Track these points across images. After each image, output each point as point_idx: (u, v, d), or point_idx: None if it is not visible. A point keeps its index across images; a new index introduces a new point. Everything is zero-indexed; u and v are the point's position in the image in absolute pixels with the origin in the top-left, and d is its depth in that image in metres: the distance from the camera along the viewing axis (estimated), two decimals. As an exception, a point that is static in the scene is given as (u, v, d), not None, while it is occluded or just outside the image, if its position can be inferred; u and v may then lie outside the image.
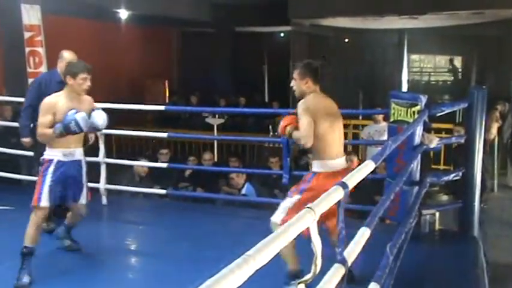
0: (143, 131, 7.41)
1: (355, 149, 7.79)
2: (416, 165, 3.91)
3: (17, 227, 4.45)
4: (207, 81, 13.20)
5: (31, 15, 6.70)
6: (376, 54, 14.07)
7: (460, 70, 15.08)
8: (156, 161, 6.32)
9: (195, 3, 11.59)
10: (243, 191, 5.63)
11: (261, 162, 6.90)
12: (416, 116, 3.91)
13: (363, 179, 2.10)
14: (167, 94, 13.31)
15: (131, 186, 5.57)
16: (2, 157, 5.81)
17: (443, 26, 11.52)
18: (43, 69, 6.69)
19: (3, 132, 6.57)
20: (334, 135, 3.05)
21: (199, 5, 11.82)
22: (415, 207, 3.76)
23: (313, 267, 1.62)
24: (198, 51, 14.01)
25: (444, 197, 5.57)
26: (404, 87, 13.11)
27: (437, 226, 4.32)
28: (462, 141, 4.46)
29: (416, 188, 3.94)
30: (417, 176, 4.00)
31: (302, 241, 1.79)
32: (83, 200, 3.59)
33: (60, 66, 4.30)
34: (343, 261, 1.82)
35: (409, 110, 4.01)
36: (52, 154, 3.43)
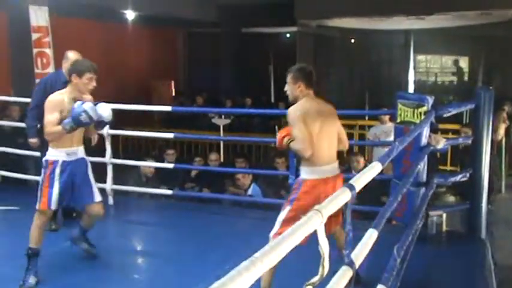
0: (150, 131, 7.43)
1: (361, 149, 7.77)
2: (423, 166, 3.89)
3: (22, 227, 4.48)
4: (213, 81, 13.23)
5: (39, 17, 6.73)
6: (383, 54, 14.05)
7: (466, 71, 15.02)
8: (163, 162, 6.33)
9: (201, 4, 11.60)
10: (249, 192, 5.63)
11: (267, 162, 6.90)
12: (423, 116, 3.89)
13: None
14: (173, 95, 13.33)
15: (137, 186, 5.59)
16: (8, 157, 5.84)
17: (449, 26, 11.48)
18: (50, 70, 6.72)
19: (11, 132, 6.61)
20: (324, 140, 2.94)
21: (206, 5, 11.84)
22: (422, 208, 3.75)
23: (320, 269, 1.61)
24: (205, 52, 14.04)
25: (451, 198, 5.53)
26: (411, 88, 13.08)
27: (444, 227, 4.31)
28: (469, 142, 4.44)
29: (423, 189, 3.93)
30: (424, 177, 3.98)
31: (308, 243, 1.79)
32: (98, 197, 3.51)
33: (65, 67, 4.32)
34: (351, 264, 1.82)
35: (415, 110, 4.00)
36: (56, 155, 3.37)
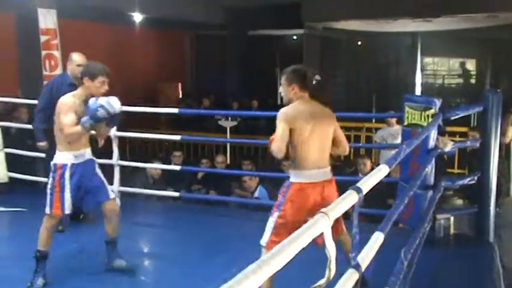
0: (157, 133, 7.45)
1: (368, 152, 7.75)
2: (430, 169, 3.88)
3: (30, 229, 4.50)
4: (220, 83, 13.25)
5: (47, 19, 6.77)
6: (389, 57, 14.03)
7: (474, 73, 14.95)
8: (169, 164, 6.35)
9: (208, 7, 11.63)
10: (256, 194, 5.63)
11: (274, 165, 6.89)
12: (430, 119, 3.88)
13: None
14: (180, 97, 13.37)
15: (144, 188, 5.60)
16: (17, 159, 5.88)
17: (457, 28, 11.44)
18: (58, 72, 6.76)
19: (19, 134, 6.64)
20: (314, 144, 2.85)
21: (213, 8, 11.87)
22: (430, 211, 3.73)
23: (327, 271, 1.61)
24: (211, 54, 14.07)
25: (459, 201, 5.51)
26: (418, 90, 13.04)
27: (452, 231, 4.28)
28: (477, 145, 4.42)
29: (430, 192, 3.91)
30: (431, 180, 3.96)
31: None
32: (111, 194, 3.47)
33: (70, 69, 4.34)
34: (357, 267, 1.81)
35: (423, 113, 3.98)
36: (64, 158, 3.32)
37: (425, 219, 3.55)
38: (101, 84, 3.31)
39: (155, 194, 5.63)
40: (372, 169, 5.35)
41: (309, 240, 1.36)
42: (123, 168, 5.29)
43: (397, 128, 6.27)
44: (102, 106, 3.16)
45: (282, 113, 2.85)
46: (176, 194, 5.53)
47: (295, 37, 14.05)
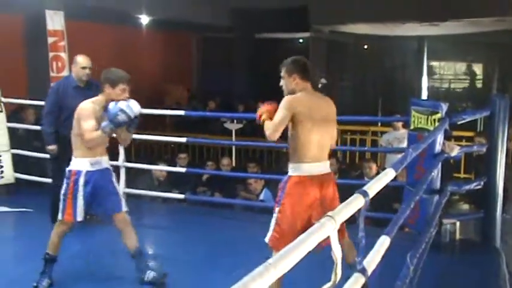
0: (162, 135, 7.45)
1: (373, 156, 7.73)
2: (436, 173, 3.86)
3: (35, 230, 4.53)
4: (227, 86, 13.25)
5: (55, 21, 6.82)
6: (396, 60, 14.01)
7: (480, 77, 14.90)
8: (175, 166, 6.35)
9: (215, 9, 11.66)
10: (261, 197, 5.63)
11: (279, 167, 6.88)
12: (436, 123, 3.87)
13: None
14: (187, 99, 13.38)
15: (150, 190, 5.61)
16: (23, 160, 5.91)
17: (464, 33, 11.41)
18: (65, 73, 6.80)
19: (27, 135, 6.68)
20: (315, 137, 2.79)
21: (220, 10, 11.89)
22: (436, 216, 3.72)
23: (333, 275, 1.61)
24: (218, 57, 14.08)
25: (465, 206, 5.48)
26: (424, 94, 13.00)
27: (457, 236, 4.27)
28: (484, 150, 4.40)
29: (436, 197, 3.90)
30: (438, 185, 3.95)
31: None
32: (124, 207, 3.39)
33: (75, 71, 4.35)
34: (363, 271, 1.80)
35: (429, 117, 3.97)
36: (79, 164, 3.28)
37: (431, 224, 3.54)
38: (122, 91, 3.26)
39: (160, 195, 5.64)
40: (378, 173, 5.35)
41: (315, 243, 1.35)
42: (128, 169, 5.30)
43: (403, 132, 6.25)
44: (122, 110, 3.14)
45: (286, 101, 2.79)
46: (181, 196, 5.54)
47: (301, 40, 14.05)
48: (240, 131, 8.81)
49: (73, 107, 4.21)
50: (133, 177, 5.87)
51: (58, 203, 4.40)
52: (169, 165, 6.21)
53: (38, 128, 6.32)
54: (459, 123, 4.12)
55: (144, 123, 3.83)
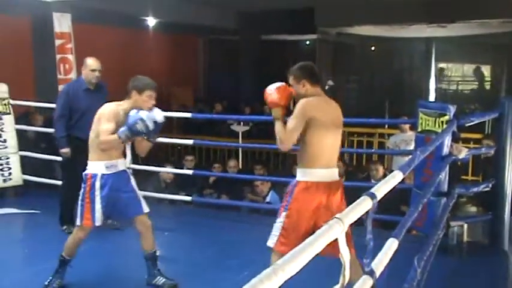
0: (169, 137, 7.47)
1: (380, 158, 7.70)
2: (444, 175, 3.84)
3: (43, 232, 4.55)
4: (233, 88, 13.25)
5: (62, 23, 6.85)
6: (403, 62, 13.96)
7: (489, 79, 14.81)
8: (182, 168, 6.36)
9: (221, 11, 11.68)
10: (268, 199, 5.63)
11: (286, 170, 6.87)
12: (444, 126, 3.85)
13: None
14: (193, 101, 13.41)
15: (157, 192, 5.62)
16: (31, 161, 5.94)
17: (472, 34, 11.35)
18: (73, 75, 6.83)
19: (35, 137, 6.72)
20: (328, 143, 2.77)
21: (226, 13, 11.91)
22: (443, 218, 3.69)
23: (341, 278, 1.60)
24: (224, 59, 14.10)
25: (472, 209, 5.45)
26: (432, 96, 12.94)
27: (465, 238, 4.24)
28: (492, 152, 4.37)
29: (444, 199, 3.87)
30: (445, 187, 3.93)
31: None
32: (146, 208, 3.37)
33: (84, 74, 4.36)
34: (371, 273, 1.79)
35: (437, 119, 3.95)
36: (95, 168, 3.25)
37: (438, 226, 3.52)
38: (148, 98, 3.24)
39: (167, 197, 5.65)
40: (385, 175, 5.33)
41: (323, 246, 1.35)
42: (135, 171, 5.30)
43: (410, 134, 6.23)
44: (141, 119, 3.10)
45: (301, 106, 2.73)
46: (188, 198, 5.55)
47: (308, 42, 14.04)
48: (247, 133, 8.82)
49: (83, 110, 4.24)
50: (140, 179, 5.88)
51: (67, 205, 4.43)
52: (176, 167, 6.22)
53: (46, 130, 6.37)
54: (467, 125, 4.10)
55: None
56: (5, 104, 5.59)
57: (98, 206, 3.22)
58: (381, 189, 1.91)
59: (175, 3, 9.95)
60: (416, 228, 4.17)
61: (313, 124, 2.72)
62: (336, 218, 1.50)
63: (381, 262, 1.93)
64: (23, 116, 6.59)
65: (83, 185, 3.27)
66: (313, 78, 2.84)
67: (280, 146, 2.79)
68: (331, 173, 2.79)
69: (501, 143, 4.15)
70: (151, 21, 11.01)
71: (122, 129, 3.13)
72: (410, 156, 2.65)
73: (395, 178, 2.13)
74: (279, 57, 13.90)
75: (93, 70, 4.31)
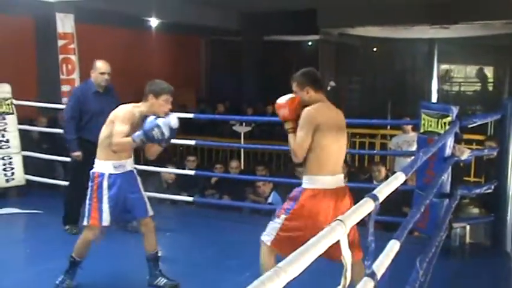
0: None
1: (382, 159, 7.70)
2: (447, 177, 3.84)
3: (45, 232, 4.56)
4: (235, 89, 13.26)
5: (65, 24, 6.87)
6: (406, 63, 13.95)
7: (491, 81, 14.80)
8: (184, 168, 6.36)
9: (224, 12, 11.69)
10: (270, 200, 5.62)
11: (288, 171, 6.87)
12: (447, 127, 3.85)
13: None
14: (195, 102, 13.42)
15: (158, 192, 5.62)
16: (34, 162, 5.95)
17: (474, 35, 11.34)
18: (75, 76, 6.85)
19: (38, 139, 6.73)
20: (333, 149, 2.77)
21: (228, 13, 11.92)
22: (446, 220, 3.69)
23: (342, 280, 1.60)
24: (227, 60, 14.11)
25: (475, 210, 5.44)
26: (434, 97, 12.94)
27: (467, 240, 4.23)
28: (494, 153, 4.36)
29: (446, 201, 3.87)
30: (448, 188, 3.92)
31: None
32: (150, 211, 3.38)
33: (94, 76, 4.35)
34: (372, 275, 1.79)
35: (440, 121, 3.95)
36: (102, 167, 3.23)
37: (441, 228, 3.51)
38: (165, 102, 3.22)
39: (169, 198, 5.65)
40: (387, 176, 5.32)
41: (325, 248, 1.35)
42: (137, 172, 5.30)
43: (412, 135, 6.22)
44: (158, 126, 3.07)
45: (307, 114, 2.74)
46: (190, 198, 5.55)
47: (310, 43, 14.04)
48: (249, 133, 8.81)
49: (93, 112, 4.24)
50: (142, 180, 5.87)
51: (72, 206, 4.44)
52: (178, 168, 6.22)
53: (48, 130, 6.38)
54: (470, 126, 4.09)
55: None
56: (7, 104, 5.60)
57: (106, 206, 3.20)
58: (383, 191, 1.91)
59: (178, 4, 9.97)
60: (419, 230, 4.16)
61: (318, 131, 2.72)
62: (338, 220, 1.50)
63: (382, 264, 1.92)
64: (26, 121, 6.59)
65: (90, 184, 3.25)
66: (316, 85, 2.85)
67: (293, 158, 2.79)
68: (336, 180, 2.79)
69: (504, 144, 4.14)
70: (154, 22, 11.03)
71: (138, 133, 3.11)
72: (412, 158, 2.65)
73: (397, 179, 2.13)
74: (281, 58, 13.92)
75: (102, 73, 4.30)
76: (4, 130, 5.58)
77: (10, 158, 5.60)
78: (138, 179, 3.41)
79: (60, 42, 7.03)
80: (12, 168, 5.62)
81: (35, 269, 3.74)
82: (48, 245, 4.18)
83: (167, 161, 6.54)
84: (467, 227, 4.22)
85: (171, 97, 3.25)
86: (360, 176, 6.25)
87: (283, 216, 2.78)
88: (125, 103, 3.33)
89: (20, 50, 8.41)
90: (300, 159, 2.76)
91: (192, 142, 5.90)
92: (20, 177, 5.69)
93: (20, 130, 5.77)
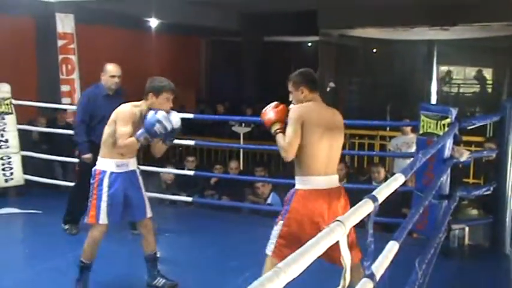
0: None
1: (381, 160, 7.70)
2: (446, 178, 3.84)
3: (44, 231, 4.55)
4: (235, 89, 13.27)
5: (65, 24, 6.88)
6: (405, 65, 13.95)
7: (490, 82, 14.81)
8: (183, 168, 6.37)
9: (224, 13, 11.69)
10: (269, 201, 5.63)
11: (287, 171, 6.88)
12: (446, 128, 3.85)
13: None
14: (195, 102, 13.42)
15: (157, 193, 5.62)
16: (33, 162, 5.95)
17: (474, 37, 11.36)
18: (75, 76, 6.86)
19: (38, 140, 6.73)
20: (323, 149, 2.71)
21: (228, 14, 11.93)
22: (445, 221, 3.69)
23: (341, 281, 1.60)
24: (227, 60, 14.12)
25: (474, 212, 5.44)
26: (433, 99, 12.95)
27: (466, 241, 4.24)
28: (493, 155, 4.37)
29: (445, 202, 3.87)
30: (447, 190, 3.93)
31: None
32: (148, 213, 3.34)
33: (104, 79, 4.34)
34: (371, 276, 1.79)
35: (439, 122, 3.96)
36: (104, 165, 3.21)
37: (440, 229, 3.51)
38: (165, 100, 3.17)
39: (168, 198, 5.65)
40: (386, 177, 5.33)
41: (325, 249, 1.35)
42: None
43: (411, 137, 6.22)
44: (159, 121, 3.02)
45: (294, 111, 2.73)
46: (189, 199, 5.55)
47: (310, 44, 14.05)
48: (248, 134, 8.81)
49: (103, 115, 4.22)
50: (141, 180, 5.88)
51: (74, 206, 4.44)
52: (177, 168, 6.22)
53: (48, 130, 6.38)
54: (469, 128, 4.10)
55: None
56: (7, 104, 5.60)
57: (104, 204, 3.16)
58: (383, 192, 1.91)
59: (178, 4, 9.97)
60: (418, 231, 4.17)
61: (306, 128, 2.69)
62: (338, 220, 1.50)
63: (381, 265, 1.92)
64: (26, 121, 6.59)
65: (91, 181, 3.23)
66: (311, 85, 2.83)
67: (284, 156, 2.75)
68: (329, 180, 2.75)
69: (503, 146, 4.15)
70: (154, 22, 11.02)
71: (140, 131, 3.07)
72: (411, 159, 2.65)
73: (397, 181, 2.13)
74: (281, 59, 13.92)
75: (112, 76, 4.29)
76: (3, 130, 5.58)
77: (9, 158, 5.60)
78: (140, 179, 3.38)
79: (60, 42, 7.03)
80: (11, 168, 5.62)
81: (34, 269, 3.74)
82: (47, 245, 4.18)
83: (166, 162, 6.54)
84: (466, 229, 4.23)
85: (172, 95, 3.20)
86: (359, 177, 6.26)
87: (281, 222, 2.76)
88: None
89: (20, 50, 8.41)
90: (290, 157, 2.72)
91: (192, 142, 5.90)
92: (19, 177, 5.69)
93: (19, 130, 5.77)
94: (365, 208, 1.72)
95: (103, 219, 3.19)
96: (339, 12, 10.25)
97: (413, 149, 5.64)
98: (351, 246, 1.80)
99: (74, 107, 7.39)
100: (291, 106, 2.82)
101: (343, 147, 3.00)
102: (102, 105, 4.26)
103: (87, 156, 4.35)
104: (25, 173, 5.75)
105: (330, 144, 2.76)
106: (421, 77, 13.61)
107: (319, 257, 1.35)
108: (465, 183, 6.56)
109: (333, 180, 2.77)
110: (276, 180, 5.80)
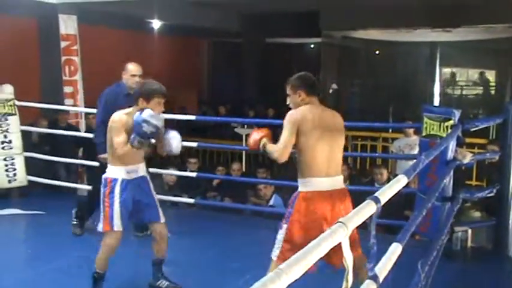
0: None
1: (384, 162, 7.69)
2: (448, 180, 3.83)
3: (46, 232, 4.56)
4: (237, 91, 13.27)
5: (68, 25, 6.89)
6: (408, 66, 13.95)
7: (493, 84, 14.79)
8: (185, 170, 6.37)
9: (225, 14, 11.70)
10: (271, 202, 5.62)
11: (289, 173, 6.87)
12: (449, 130, 3.84)
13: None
14: (197, 104, 13.43)
15: (159, 194, 5.61)
16: (37, 163, 5.96)
17: (476, 39, 11.35)
18: (78, 77, 6.87)
19: (40, 141, 6.74)
20: (323, 150, 2.71)
21: (230, 15, 11.93)
22: (447, 223, 3.68)
23: (344, 283, 1.60)
24: (228, 62, 14.12)
25: (476, 214, 5.43)
26: (436, 101, 12.94)
27: (469, 243, 4.23)
28: (496, 157, 4.36)
29: (448, 204, 3.86)
30: (450, 192, 3.91)
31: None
32: (162, 218, 3.34)
33: (125, 79, 4.34)
34: (374, 278, 1.79)
35: (442, 124, 3.94)
36: (115, 172, 3.19)
37: (442, 232, 3.50)
38: (157, 105, 3.12)
39: (170, 200, 5.65)
40: (389, 179, 5.32)
41: (327, 250, 1.35)
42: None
43: (414, 139, 6.21)
44: (145, 121, 2.98)
45: (289, 115, 2.75)
46: (191, 200, 5.55)
47: (312, 45, 14.04)
48: (250, 136, 8.80)
49: None
50: (152, 185, 5.88)
51: (83, 206, 4.44)
52: (180, 170, 6.22)
53: (50, 131, 6.39)
54: (472, 130, 4.09)
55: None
56: (10, 105, 5.61)
57: (117, 211, 3.15)
58: (385, 193, 1.90)
59: (180, 6, 9.98)
60: (420, 233, 4.16)
61: (303, 131, 2.71)
62: (340, 222, 1.50)
63: (384, 267, 1.92)
64: (29, 125, 6.59)
65: (102, 189, 3.21)
66: (309, 89, 2.83)
67: (276, 157, 2.79)
68: (331, 182, 2.74)
69: (506, 148, 4.14)
70: (156, 24, 11.04)
71: (132, 136, 3.05)
72: (414, 161, 2.64)
73: (399, 182, 2.12)
74: (283, 60, 13.92)
75: (133, 75, 4.30)
76: (7, 131, 5.59)
77: (12, 159, 5.61)
78: (151, 184, 3.37)
79: (63, 44, 7.05)
80: (15, 169, 5.62)
81: (37, 270, 3.74)
82: (49, 246, 4.18)
83: (168, 163, 6.54)
84: (469, 231, 4.22)
85: (163, 98, 3.16)
86: (361, 179, 6.25)
87: (285, 226, 2.76)
88: None
89: (23, 51, 8.43)
90: (283, 159, 2.75)
91: (194, 144, 5.90)
92: (22, 178, 5.69)
93: (22, 131, 5.78)
94: (367, 209, 1.72)
95: (118, 225, 3.17)
96: (341, 14, 10.25)
97: (415, 150, 5.63)
98: (352, 248, 1.80)
99: (76, 108, 7.45)
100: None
101: (346, 149, 3.00)
102: (123, 104, 4.25)
103: (104, 156, 4.37)
104: (28, 174, 5.76)
105: (330, 146, 2.76)
106: (423, 79, 13.60)
107: (321, 259, 1.35)
108: (468, 186, 6.55)
109: (335, 182, 2.77)
110: (278, 182, 5.79)
